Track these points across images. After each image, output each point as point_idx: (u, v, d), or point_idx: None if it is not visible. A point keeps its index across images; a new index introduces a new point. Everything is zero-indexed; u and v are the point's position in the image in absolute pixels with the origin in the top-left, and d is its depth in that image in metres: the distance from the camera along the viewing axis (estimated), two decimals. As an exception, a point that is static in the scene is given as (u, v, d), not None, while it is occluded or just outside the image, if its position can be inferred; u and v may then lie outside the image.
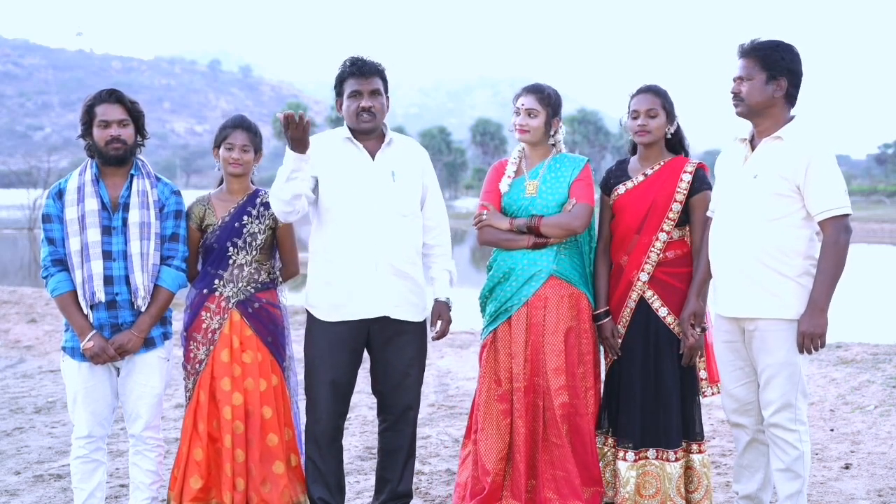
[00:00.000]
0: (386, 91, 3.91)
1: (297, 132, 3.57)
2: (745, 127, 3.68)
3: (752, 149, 3.62)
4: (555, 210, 3.94)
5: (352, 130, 3.87)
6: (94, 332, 3.62)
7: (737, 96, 3.57)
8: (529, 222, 3.91)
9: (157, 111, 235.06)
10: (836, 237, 3.41)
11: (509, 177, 4.02)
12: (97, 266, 3.60)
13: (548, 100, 3.96)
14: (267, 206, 3.96)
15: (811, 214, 3.47)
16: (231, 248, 3.90)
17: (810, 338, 3.42)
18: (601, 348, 4.04)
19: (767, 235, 3.49)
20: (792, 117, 3.57)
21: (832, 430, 5.51)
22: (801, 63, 3.55)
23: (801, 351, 3.46)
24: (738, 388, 3.69)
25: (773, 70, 3.51)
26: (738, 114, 3.60)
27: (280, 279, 4.06)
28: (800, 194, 3.46)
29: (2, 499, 4.47)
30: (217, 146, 3.98)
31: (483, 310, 4.08)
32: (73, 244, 3.62)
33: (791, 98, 3.56)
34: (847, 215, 3.44)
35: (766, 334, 3.52)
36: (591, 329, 3.98)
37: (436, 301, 4.00)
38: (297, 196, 3.66)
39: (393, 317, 3.84)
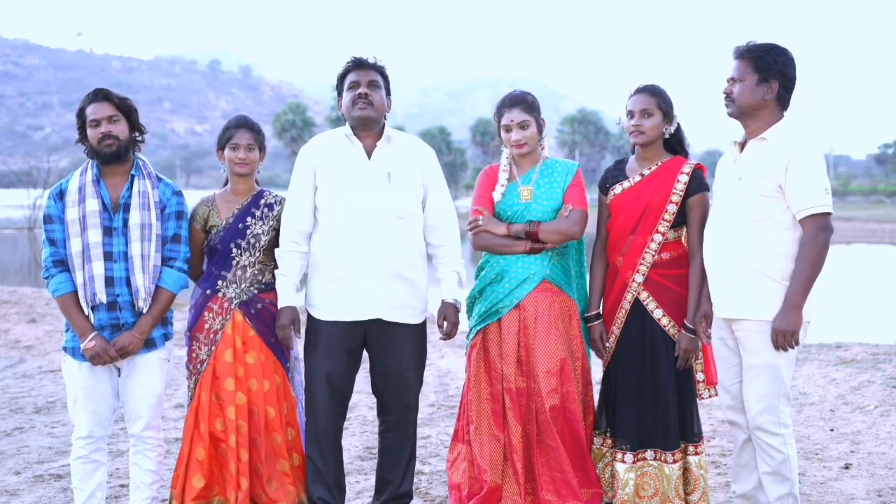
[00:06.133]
0: (388, 91, 3.91)
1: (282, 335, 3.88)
2: (741, 130, 3.69)
3: (742, 151, 3.64)
4: (550, 215, 3.94)
5: (352, 128, 3.87)
6: (94, 332, 3.62)
7: (728, 97, 3.60)
8: (528, 228, 3.90)
9: (157, 111, 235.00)
10: (813, 236, 3.40)
11: (502, 185, 4.00)
12: (98, 267, 3.60)
13: (532, 106, 3.97)
14: (270, 207, 3.96)
15: (793, 213, 3.46)
16: (235, 250, 3.91)
17: (783, 335, 3.42)
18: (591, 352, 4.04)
19: (753, 236, 3.50)
20: (781, 119, 3.57)
21: (832, 430, 5.51)
22: (794, 67, 3.56)
23: (775, 348, 3.46)
24: (734, 385, 3.70)
25: (765, 72, 3.52)
26: (729, 114, 3.63)
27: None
28: (783, 194, 3.46)
29: (2, 499, 4.47)
30: (221, 147, 3.98)
31: (469, 310, 4.07)
32: (74, 245, 3.62)
33: (783, 101, 3.56)
34: (827, 214, 3.43)
35: (749, 335, 3.53)
36: (581, 334, 3.99)
37: (443, 302, 3.96)
38: None
39: (386, 319, 3.84)
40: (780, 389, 3.52)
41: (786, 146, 3.46)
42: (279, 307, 3.85)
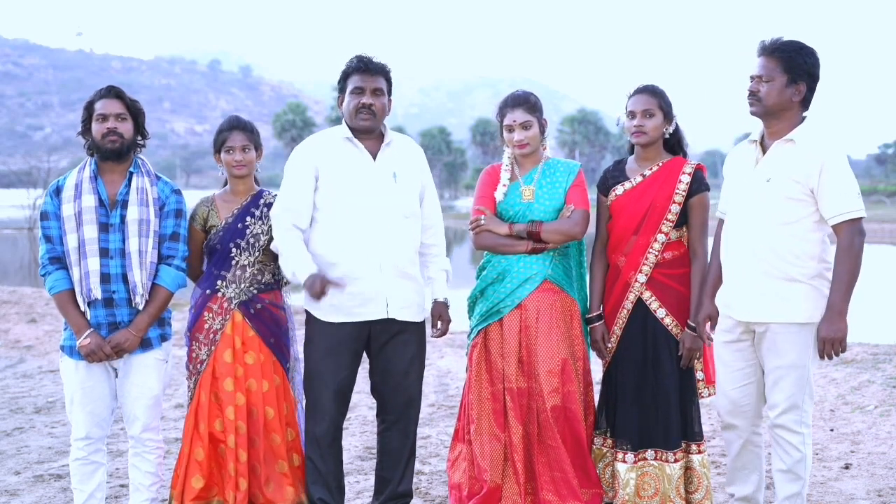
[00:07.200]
0: (389, 93, 3.91)
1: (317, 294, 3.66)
2: (754, 128, 3.64)
3: (763, 151, 3.57)
4: (552, 215, 3.94)
5: (351, 130, 3.87)
6: (90, 329, 3.61)
7: (754, 95, 3.50)
8: (529, 227, 3.90)
9: (157, 111, 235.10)
10: (850, 241, 3.38)
11: (504, 185, 4.01)
12: (94, 263, 3.60)
13: (535, 106, 3.96)
14: (270, 206, 3.95)
15: (825, 218, 3.43)
16: (234, 249, 3.91)
17: (831, 343, 3.39)
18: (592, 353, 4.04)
19: (781, 239, 3.46)
20: (803, 119, 3.53)
21: (832, 430, 5.51)
22: (820, 67, 3.51)
23: (821, 357, 3.43)
24: (735, 389, 3.67)
25: (795, 73, 3.45)
26: (753, 113, 3.55)
27: (285, 279, 4.04)
28: (813, 198, 3.42)
29: (2, 499, 4.47)
30: (217, 151, 3.98)
31: (471, 310, 4.08)
32: (71, 241, 3.62)
33: (806, 102, 3.51)
34: (861, 218, 3.40)
35: (777, 336, 3.49)
36: (583, 334, 3.99)
37: (435, 302, 4.00)
38: None
39: (398, 318, 3.84)
40: (806, 389, 3.50)
41: (817, 150, 3.40)
42: (304, 277, 3.66)
